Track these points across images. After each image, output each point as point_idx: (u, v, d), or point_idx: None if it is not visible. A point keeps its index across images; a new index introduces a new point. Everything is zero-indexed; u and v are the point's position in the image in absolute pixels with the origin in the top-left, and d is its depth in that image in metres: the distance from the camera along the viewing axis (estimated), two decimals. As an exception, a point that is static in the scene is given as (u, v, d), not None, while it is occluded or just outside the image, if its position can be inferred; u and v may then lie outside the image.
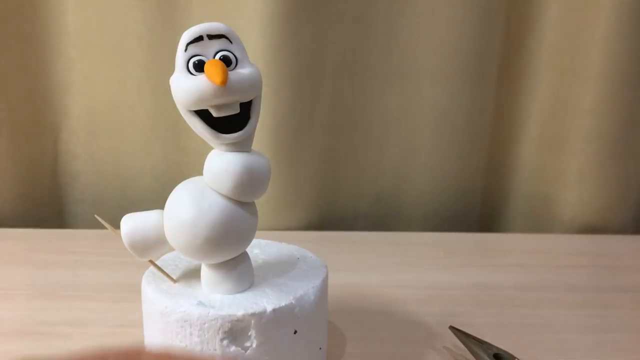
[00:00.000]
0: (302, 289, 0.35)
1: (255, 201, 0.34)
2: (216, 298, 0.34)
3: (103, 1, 0.66)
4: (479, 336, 0.41)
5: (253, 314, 0.32)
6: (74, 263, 0.57)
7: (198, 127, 0.31)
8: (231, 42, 0.31)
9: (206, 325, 0.32)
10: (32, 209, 0.71)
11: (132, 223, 0.34)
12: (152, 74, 0.67)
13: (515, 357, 0.38)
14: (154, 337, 0.35)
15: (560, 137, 0.70)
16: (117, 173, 0.71)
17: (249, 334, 0.32)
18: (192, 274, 0.37)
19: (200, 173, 0.33)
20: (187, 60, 0.31)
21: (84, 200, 0.73)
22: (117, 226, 0.35)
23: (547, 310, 0.49)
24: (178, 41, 0.31)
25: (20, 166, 0.69)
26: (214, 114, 0.31)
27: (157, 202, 0.35)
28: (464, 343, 0.40)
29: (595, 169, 0.69)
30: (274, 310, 0.33)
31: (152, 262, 0.36)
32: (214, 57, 0.31)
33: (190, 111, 0.31)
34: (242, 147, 0.32)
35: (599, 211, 0.70)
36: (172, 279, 0.36)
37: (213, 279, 0.34)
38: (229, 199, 0.32)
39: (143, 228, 0.34)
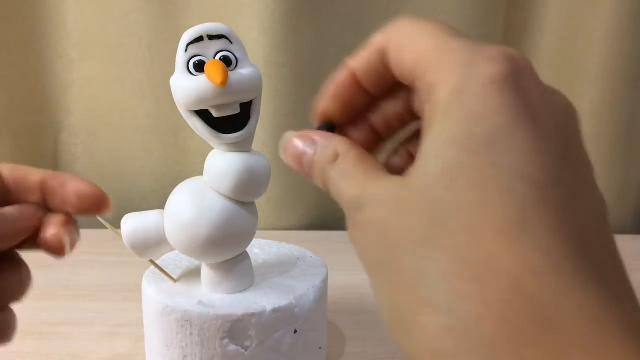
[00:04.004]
0: (302, 288, 0.35)
1: (256, 201, 0.34)
2: (216, 298, 0.34)
3: (103, 2, 0.66)
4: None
5: (253, 314, 0.32)
6: (74, 263, 0.57)
7: (198, 127, 0.31)
8: (231, 42, 0.31)
9: (206, 324, 0.32)
10: (32, 209, 0.71)
11: (133, 223, 0.34)
12: (153, 75, 0.67)
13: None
14: (154, 336, 0.35)
15: (560, 137, 0.70)
16: (118, 173, 0.71)
17: (249, 333, 0.32)
18: (192, 274, 0.37)
19: (200, 173, 0.33)
20: (187, 61, 0.31)
21: (84, 201, 0.73)
22: (117, 226, 0.35)
23: (546, 310, 0.49)
24: (178, 41, 0.31)
25: (20, 166, 0.69)
26: (214, 114, 0.31)
27: (158, 202, 0.36)
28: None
29: (594, 169, 0.69)
30: (274, 310, 0.33)
31: (152, 261, 0.36)
32: (214, 57, 0.31)
33: (191, 111, 0.31)
34: (242, 147, 0.32)
35: (599, 211, 0.70)
36: (172, 278, 0.36)
37: (213, 278, 0.34)
38: (229, 199, 0.32)
39: (144, 228, 0.34)
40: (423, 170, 0.17)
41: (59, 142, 0.71)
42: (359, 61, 0.21)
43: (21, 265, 0.27)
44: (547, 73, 0.69)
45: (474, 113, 0.16)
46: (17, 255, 0.27)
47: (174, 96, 0.31)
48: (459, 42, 0.18)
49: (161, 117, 0.68)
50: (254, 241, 0.38)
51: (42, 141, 0.71)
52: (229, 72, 0.30)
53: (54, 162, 0.72)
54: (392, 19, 0.75)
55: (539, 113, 0.17)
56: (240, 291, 0.35)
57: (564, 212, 0.16)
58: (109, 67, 0.68)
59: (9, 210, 0.25)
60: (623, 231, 0.71)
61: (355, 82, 0.22)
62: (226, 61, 0.31)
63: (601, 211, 0.18)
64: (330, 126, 0.24)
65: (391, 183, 0.18)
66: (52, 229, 0.26)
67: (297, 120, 0.67)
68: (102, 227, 0.35)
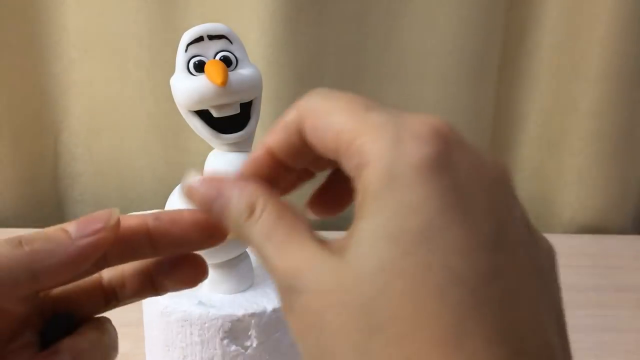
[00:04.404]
0: (302, 288, 0.35)
1: (256, 201, 0.34)
2: (217, 298, 0.34)
3: (104, 2, 0.66)
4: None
5: (253, 314, 0.32)
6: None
7: (198, 127, 0.31)
8: (231, 42, 0.32)
9: (207, 324, 0.32)
10: (32, 210, 0.71)
11: (133, 223, 0.34)
12: (153, 75, 0.67)
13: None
14: (154, 336, 0.35)
15: (560, 137, 0.70)
16: (118, 173, 0.72)
17: (249, 333, 0.32)
18: (192, 274, 0.37)
19: (200, 173, 0.33)
20: (187, 61, 0.31)
21: (84, 201, 0.73)
22: (117, 226, 0.35)
23: (546, 310, 0.49)
24: (178, 42, 0.31)
25: (21, 166, 0.69)
26: (215, 114, 0.31)
27: (158, 202, 0.36)
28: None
29: (594, 169, 0.69)
30: (274, 310, 0.33)
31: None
32: (215, 57, 0.31)
33: (191, 111, 0.31)
34: (242, 147, 0.32)
35: (599, 211, 0.70)
36: (172, 278, 0.36)
37: (214, 278, 0.34)
38: (229, 199, 0.32)
39: (143, 228, 0.34)
40: (357, 268, 0.16)
41: (60, 142, 0.71)
42: (275, 140, 0.20)
43: (103, 328, 0.23)
44: (548, 73, 0.69)
45: (404, 204, 0.16)
46: (100, 316, 0.24)
47: (174, 96, 0.31)
48: (379, 116, 0.18)
49: (161, 117, 0.68)
50: (254, 241, 0.38)
51: (43, 141, 0.71)
52: (229, 72, 0.30)
53: (54, 162, 0.72)
54: (393, 19, 0.74)
55: (470, 192, 0.17)
56: (241, 291, 0.35)
57: (499, 313, 0.16)
58: (109, 67, 0.68)
59: (53, 232, 0.20)
60: (622, 231, 0.71)
61: (275, 160, 0.20)
62: (226, 61, 0.31)
63: (543, 270, 0.18)
64: None
65: (326, 267, 0.17)
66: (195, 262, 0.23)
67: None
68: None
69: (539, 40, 0.68)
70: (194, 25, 0.31)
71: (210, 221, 0.21)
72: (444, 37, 0.66)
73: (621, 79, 0.65)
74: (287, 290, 0.18)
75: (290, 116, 0.20)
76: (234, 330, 0.32)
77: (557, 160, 0.71)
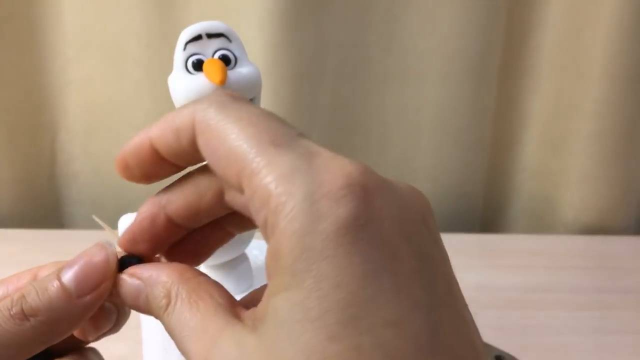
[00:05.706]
0: (302, 290, 0.34)
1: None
2: (215, 300, 0.33)
3: (101, 0, 0.65)
4: (480, 338, 0.40)
5: (252, 317, 0.32)
6: (71, 264, 0.56)
7: (197, 127, 0.31)
8: (230, 41, 0.31)
9: (205, 327, 0.32)
10: (29, 210, 0.71)
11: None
12: (151, 73, 0.66)
13: (516, 359, 0.38)
14: (152, 338, 0.34)
15: (563, 137, 0.70)
16: (115, 173, 0.71)
17: (249, 336, 0.32)
18: (190, 276, 0.36)
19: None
20: (185, 59, 0.30)
21: (81, 201, 0.72)
22: (115, 227, 0.34)
23: (548, 311, 0.49)
24: (177, 40, 0.31)
25: (17, 166, 0.69)
26: (213, 113, 0.30)
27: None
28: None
29: (597, 169, 0.68)
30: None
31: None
32: (213, 56, 0.30)
33: (189, 111, 0.30)
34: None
35: (601, 212, 0.70)
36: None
37: (212, 280, 0.34)
38: (228, 199, 0.32)
39: (141, 229, 0.33)
40: (277, 354, 0.15)
41: (57, 141, 0.71)
42: (161, 138, 0.19)
43: (82, 356, 0.23)
44: (550, 73, 0.68)
45: (323, 279, 0.14)
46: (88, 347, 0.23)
47: (172, 95, 0.31)
48: (288, 159, 0.16)
49: (159, 116, 0.67)
50: (253, 242, 0.37)
51: (40, 141, 0.70)
52: (228, 71, 0.30)
53: (51, 162, 0.71)
54: (393, 18, 0.73)
55: (395, 246, 0.15)
56: (239, 293, 0.34)
57: None
58: (107, 66, 0.67)
59: (55, 294, 0.19)
60: (625, 232, 0.71)
61: (165, 219, 0.20)
62: (225, 60, 0.30)
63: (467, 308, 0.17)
64: (134, 258, 0.21)
65: (241, 345, 0.15)
66: None
67: (296, 121, 0.66)
68: (99, 227, 0.35)
69: (540, 40, 0.68)
70: (192, 24, 0.31)
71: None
72: (444, 36, 0.66)
73: (624, 78, 0.65)
74: None
75: (182, 121, 0.18)
76: (233, 333, 0.32)
77: (559, 161, 0.70)
